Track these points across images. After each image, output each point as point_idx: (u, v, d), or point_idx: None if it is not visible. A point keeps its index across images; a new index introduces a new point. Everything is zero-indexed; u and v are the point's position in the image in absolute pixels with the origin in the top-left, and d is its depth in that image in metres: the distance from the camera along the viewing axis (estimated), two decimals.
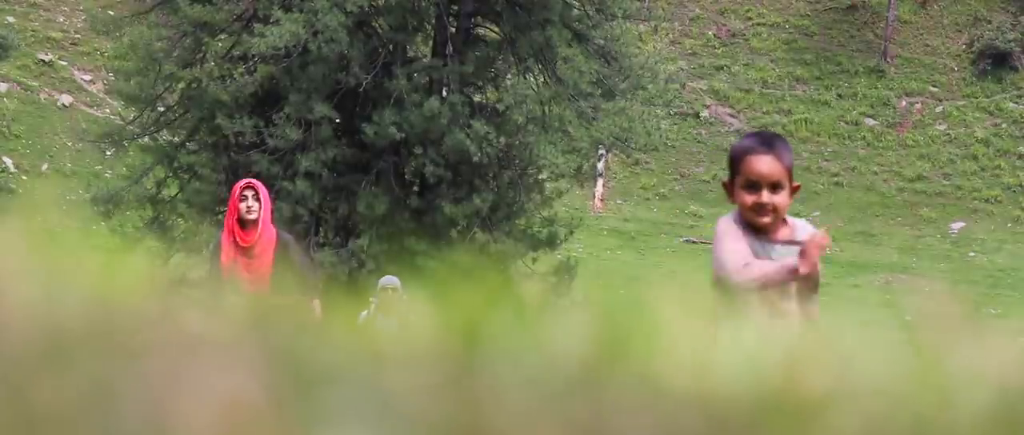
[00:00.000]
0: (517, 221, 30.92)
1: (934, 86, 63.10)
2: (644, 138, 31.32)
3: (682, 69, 60.44)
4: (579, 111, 30.48)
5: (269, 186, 30.65)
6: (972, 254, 53.96)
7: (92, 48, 57.34)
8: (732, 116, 61.71)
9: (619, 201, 56.78)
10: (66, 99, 55.59)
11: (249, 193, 9.79)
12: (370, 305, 13.39)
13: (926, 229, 56.22)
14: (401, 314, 12.99)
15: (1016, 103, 62.09)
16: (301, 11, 29.17)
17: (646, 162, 57.02)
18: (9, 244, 1.27)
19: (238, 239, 9.64)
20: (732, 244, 5.31)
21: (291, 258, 9.72)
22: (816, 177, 58.94)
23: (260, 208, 9.69)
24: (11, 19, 57.09)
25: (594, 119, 30.69)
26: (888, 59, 63.67)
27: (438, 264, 26.95)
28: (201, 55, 31.01)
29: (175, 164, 31.16)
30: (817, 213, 56.95)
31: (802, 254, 5.13)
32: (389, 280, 13.44)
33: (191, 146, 31.34)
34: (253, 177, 30.93)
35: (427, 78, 30.59)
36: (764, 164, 5.27)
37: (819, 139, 60.81)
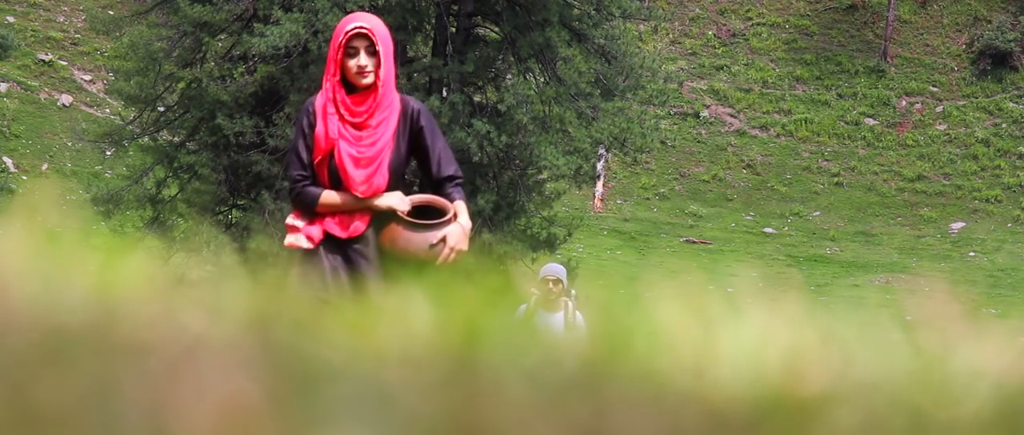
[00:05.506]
0: (517, 221, 30.94)
1: (934, 86, 63.10)
2: (640, 139, 31.34)
3: (682, 69, 60.44)
4: (579, 111, 30.50)
5: (269, 186, 30.88)
6: (972, 254, 53.95)
7: (92, 48, 57.34)
8: (732, 116, 61.70)
9: (619, 201, 56.77)
10: (66, 99, 55.59)
11: (361, 44, 6.40)
12: (529, 298, 11.45)
13: (926, 229, 56.21)
14: (567, 310, 11.28)
15: (1016, 103, 62.08)
16: (301, 11, 29.18)
17: (646, 162, 57.02)
18: (10, 244, 1.27)
19: (343, 109, 6.43)
20: None
21: (423, 138, 6.51)
22: (816, 177, 58.93)
23: (380, 65, 6.42)
24: (11, 19, 57.10)
25: (594, 119, 30.71)
26: (888, 59, 63.67)
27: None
28: (201, 55, 31.03)
29: (175, 164, 31.17)
30: (817, 213, 56.99)
31: None
32: (552, 270, 11.69)
33: (191, 146, 31.36)
34: (252, 178, 31.09)
35: (427, 78, 30.60)
36: None
37: (819, 139, 60.81)
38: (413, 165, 6.69)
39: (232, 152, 30.38)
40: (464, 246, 6.42)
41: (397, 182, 6.54)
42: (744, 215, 56.68)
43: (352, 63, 6.39)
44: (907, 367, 1.23)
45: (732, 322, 1.26)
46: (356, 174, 6.42)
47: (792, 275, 48.61)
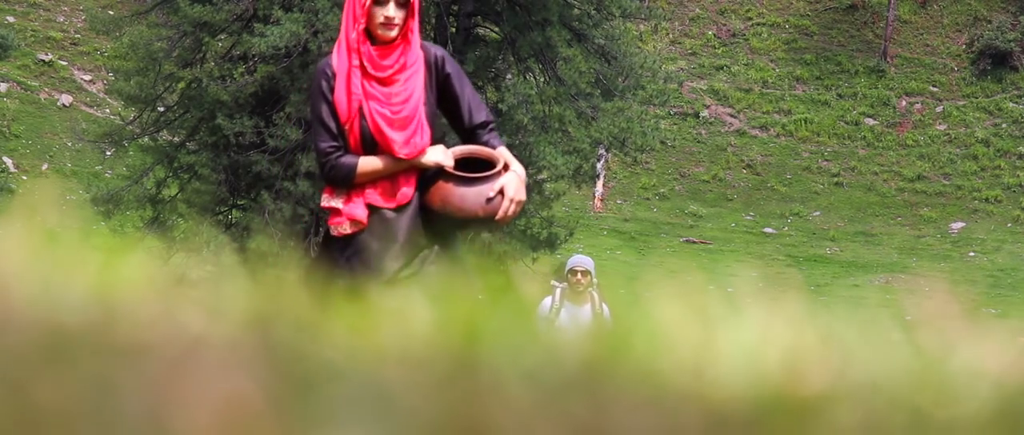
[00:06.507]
0: (517, 221, 30.96)
1: (934, 86, 63.12)
2: (640, 139, 31.35)
3: (682, 69, 60.45)
4: (579, 111, 30.52)
5: (269, 186, 30.87)
6: (972, 254, 53.96)
7: (92, 48, 57.36)
8: (732, 116, 61.72)
9: (619, 201, 56.78)
10: (66, 99, 55.60)
11: None
12: (553, 291, 11.07)
13: (926, 229, 56.22)
14: (594, 302, 11.00)
15: (1016, 103, 62.09)
16: (301, 11, 29.19)
17: (646, 162, 57.03)
18: (10, 244, 1.27)
19: (367, 64, 5.78)
20: None
21: (451, 86, 5.91)
22: (816, 177, 58.94)
23: (407, 17, 5.83)
24: (11, 19, 57.11)
25: (594, 119, 30.73)
26: (888, 59, 63.68)
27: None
28: (201, 55, 31.05)
29: (175, 164, 31.19)
30: (817, 213, 56.99)
31: None
32: (580, 261, 11.18)
33: (191, 146, 31.38)
34: (252, 178, 31.10)
35: None
36: None
37: (819, 139, 60.82)
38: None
39: (232, 152, 30.39)
40: (523, 196, 5.87)
41: (436, 138, 5.92)
42: (744, 215, 56.69)
43: (379, 12, 5.74)
44: (907, 367, 1.23)
45: (732, 322, 1.26)
46: (395, 136, 5.78)
47: (792, 275, 48.62)
